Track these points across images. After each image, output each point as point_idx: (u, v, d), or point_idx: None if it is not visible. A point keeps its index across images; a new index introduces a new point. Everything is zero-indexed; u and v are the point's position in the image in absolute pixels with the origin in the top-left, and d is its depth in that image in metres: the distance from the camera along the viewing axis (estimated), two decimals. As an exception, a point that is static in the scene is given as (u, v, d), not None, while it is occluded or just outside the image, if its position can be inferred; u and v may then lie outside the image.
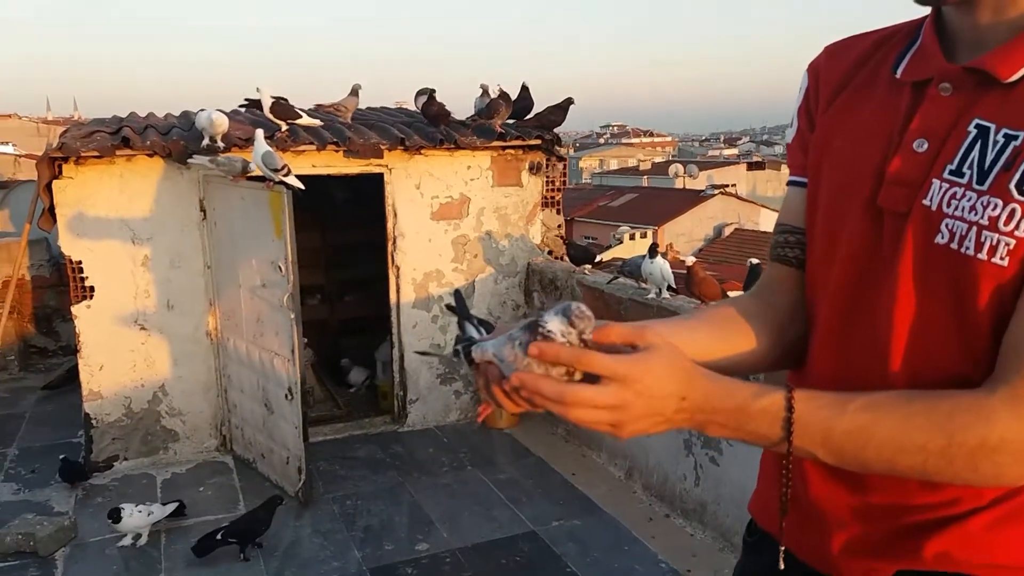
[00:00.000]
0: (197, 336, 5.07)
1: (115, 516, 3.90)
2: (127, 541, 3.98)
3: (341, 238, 7.34)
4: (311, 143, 5.07)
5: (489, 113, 5.46)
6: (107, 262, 4.84)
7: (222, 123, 4.72)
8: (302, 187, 4.34)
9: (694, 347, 1.03)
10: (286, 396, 4.43)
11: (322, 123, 5.26)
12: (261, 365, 4.66)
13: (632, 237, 24.17)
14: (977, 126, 0.93)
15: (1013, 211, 0.89)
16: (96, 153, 4.69)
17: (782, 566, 1.09)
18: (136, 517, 3.93)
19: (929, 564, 0.99)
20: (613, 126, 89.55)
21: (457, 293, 1.32)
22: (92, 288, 4.83)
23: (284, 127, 5.07)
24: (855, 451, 0.92)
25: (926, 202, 0.96)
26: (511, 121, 5.72)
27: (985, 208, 0.90)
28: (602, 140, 74.69)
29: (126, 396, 4.94)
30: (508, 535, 4.04)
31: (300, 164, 5.06)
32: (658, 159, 53.75)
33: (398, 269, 5.47)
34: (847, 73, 1.11)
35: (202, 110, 4.84)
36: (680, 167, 37.88)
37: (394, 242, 5.44)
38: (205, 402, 5.14)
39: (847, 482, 1.04)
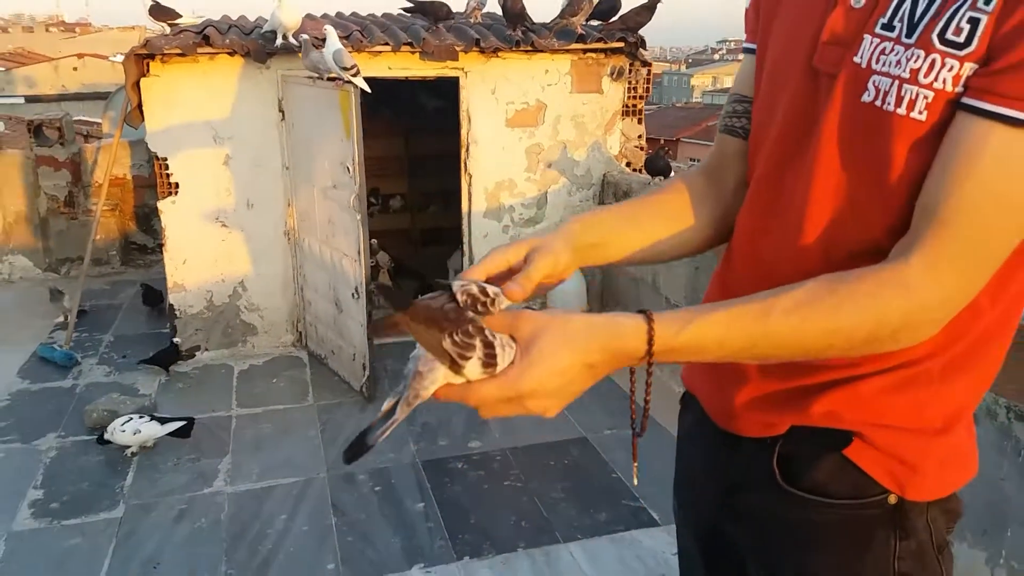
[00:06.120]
0: (275, 235, 5.22)
1: (100, 438, 3.94)
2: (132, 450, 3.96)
3: (425, 147, 7.34)
4: (386, 44, 5.03)
5: (571, 11, 5.23)
6: (191, 160, 5.00)
7: (292, 18, 4.73)
8: (368, 89, 4.33)
9: (638, 238, 1.13)
10: (353, 295, 4.53)
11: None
12: (332, 265, 4.76)
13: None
14: None
15: (934, 62, 0.85)
16: (179, 51, 4.79)
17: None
18: (120, 435, 3.90)
19: (816, 420, 1.01)
20: (730, 41, 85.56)
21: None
22: (177, 184, 5.01)
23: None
24: (781, 354, 0.91)
25: (856, 59, 0.92)
26: (594, 23, 5.48)
27: (908, 61, 0.87)
28: (716, 56, 71.63)
29: (208, 290, 5.16)
30: (559, 439, 4.06)
31: (376, 66, 5.05)
32: (775, 77, 51.22)
33: (471, 177, 5.43)
34: None
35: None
36: (797, 85, 36.03)
37: (467, 149, 5.38)
38: (282, 299, 5.32)
39: None
